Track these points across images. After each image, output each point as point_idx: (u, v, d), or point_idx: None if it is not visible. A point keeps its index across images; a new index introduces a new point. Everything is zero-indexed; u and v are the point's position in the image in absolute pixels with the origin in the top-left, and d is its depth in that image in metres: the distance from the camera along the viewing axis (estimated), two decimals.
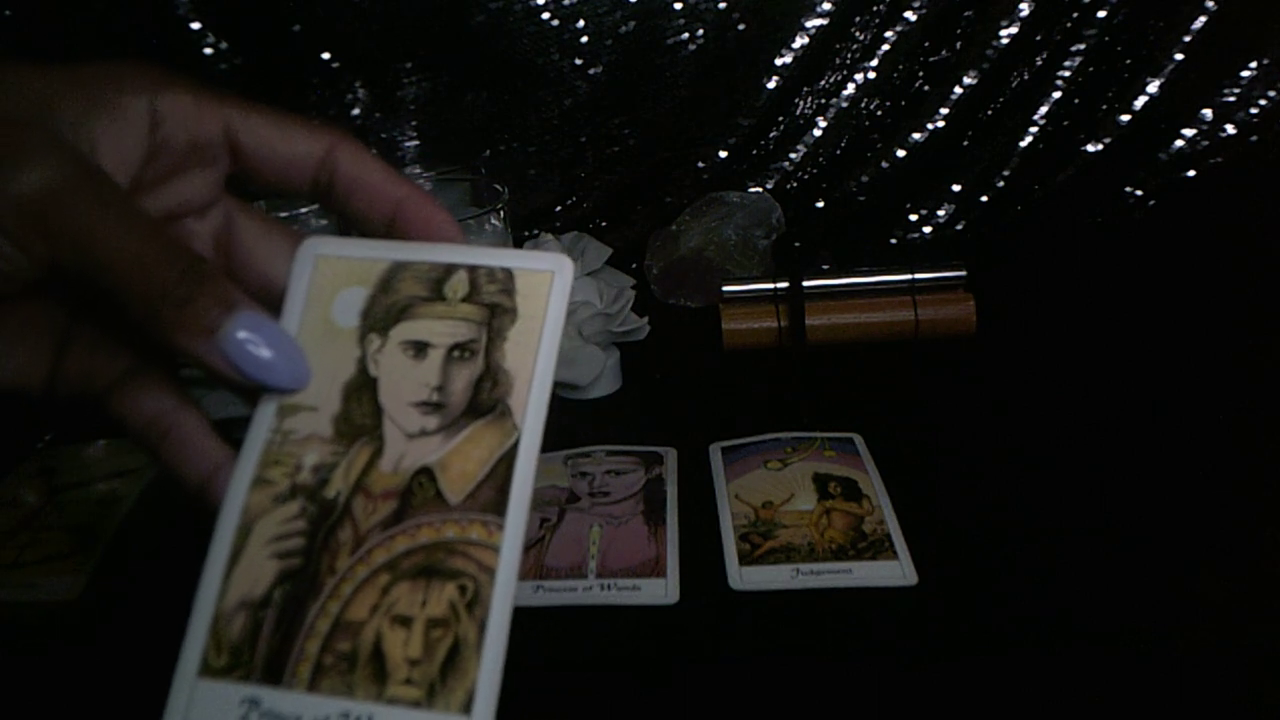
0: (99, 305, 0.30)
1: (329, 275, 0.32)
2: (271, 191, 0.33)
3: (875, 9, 0.90)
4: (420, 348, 0.32)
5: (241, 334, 0.29)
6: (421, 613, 0.29)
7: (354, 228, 0.34)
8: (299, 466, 0.31)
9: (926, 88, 0.92)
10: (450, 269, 0.33)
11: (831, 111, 0.93)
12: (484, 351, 0.32)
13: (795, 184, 0.94)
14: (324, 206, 0.33)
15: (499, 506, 0.30)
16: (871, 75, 0.91)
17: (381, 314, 0.32)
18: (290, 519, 0.31)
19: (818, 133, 0.93)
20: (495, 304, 0.32)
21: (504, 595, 0.30)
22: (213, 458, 0.32)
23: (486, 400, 0.31)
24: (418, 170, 0.88)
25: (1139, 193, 0.93)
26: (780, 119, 0.93)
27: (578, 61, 0.90)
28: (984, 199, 0.93)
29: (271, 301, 0.32)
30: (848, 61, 0.91)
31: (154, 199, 0.31)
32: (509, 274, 0.33)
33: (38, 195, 0.26)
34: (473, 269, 0.33)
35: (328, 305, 0.32)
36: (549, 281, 0.32)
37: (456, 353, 0.32)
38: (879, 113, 0.93)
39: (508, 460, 0.31)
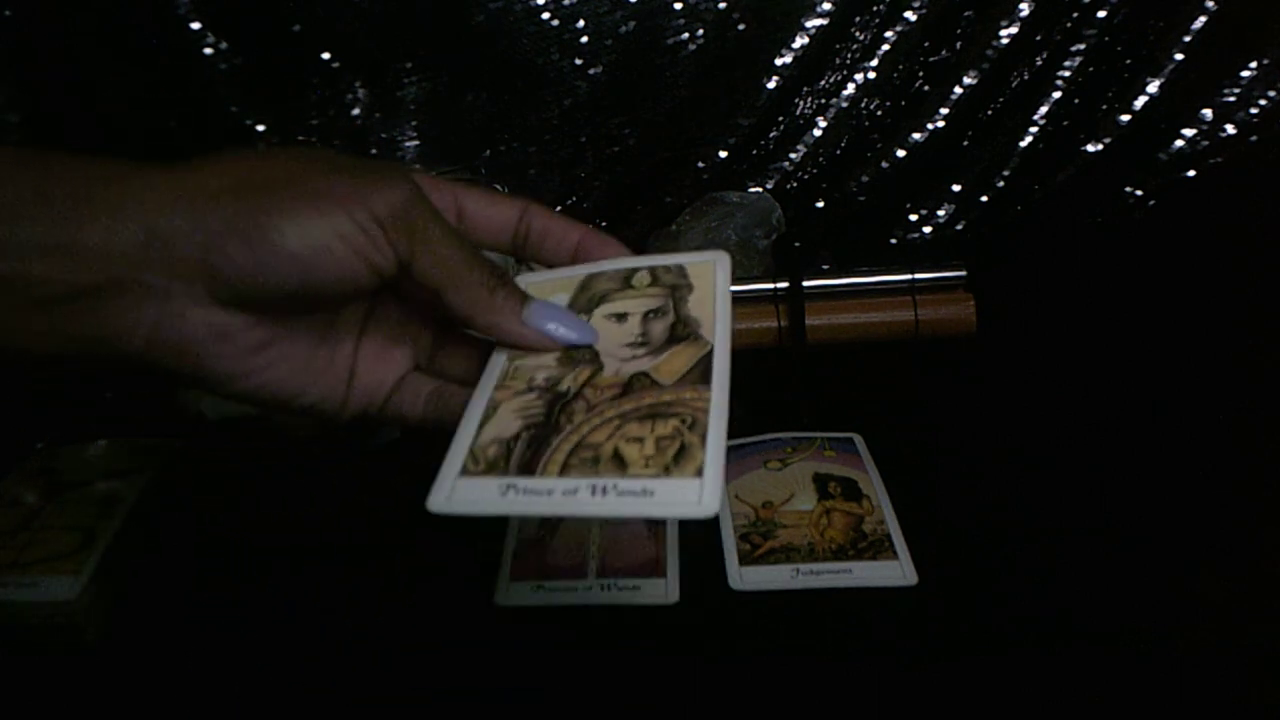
0: (414, 305, 0.42)
1: (538, 294, 0.41)
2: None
3: (875, 9, 0.90)
4: (621, 316, 0.41)
5: (535, 317, 0.39)
6: (651, 434, 0.35)
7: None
8: (532, 379, 0.39)
9: (926, 88, 0.92)
10: (634, 269, 0.42)
11: (831, 111, 0.93)
12: (673, 310, 0.41)
13: (795, 184, 0.94)
14: (521, 257, 0.43)
15: (705, 380, 0.37)
16: (871, 75, 0.91)
17: (584, 301, 0.41)
18: (531, 401, 0.38)
19: (818, 133, 0.93)
20: (675, 284, 0.42)
21: (718, 422, 0.36)
22: (462, 369, 0.42)
23: (682, 333, 0.40)
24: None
25: (1139, 193, 0.93)
26: (780, 119, 0.93)
27: (578, 61, 0.90)
28: (984, 199, 0.93)
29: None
30: (848, 61, 0.91)
31: None
32: (680, 267, 0.42)
33: (403, 205, 0.36)
34: (652, 267, 0.42)
35: None
36: (713, 267, 0.42)
37: (651, 315, 0.41)
38: (879, 113, 0.93)
39: (706, 360, 0.38)
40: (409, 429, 0.42)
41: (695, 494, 0.33)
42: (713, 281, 0.41)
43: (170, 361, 0.36)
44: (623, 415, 0.36)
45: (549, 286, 0.42)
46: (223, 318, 0.36)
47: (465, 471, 0.36)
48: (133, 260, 0.34)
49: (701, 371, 0.38)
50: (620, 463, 0.35)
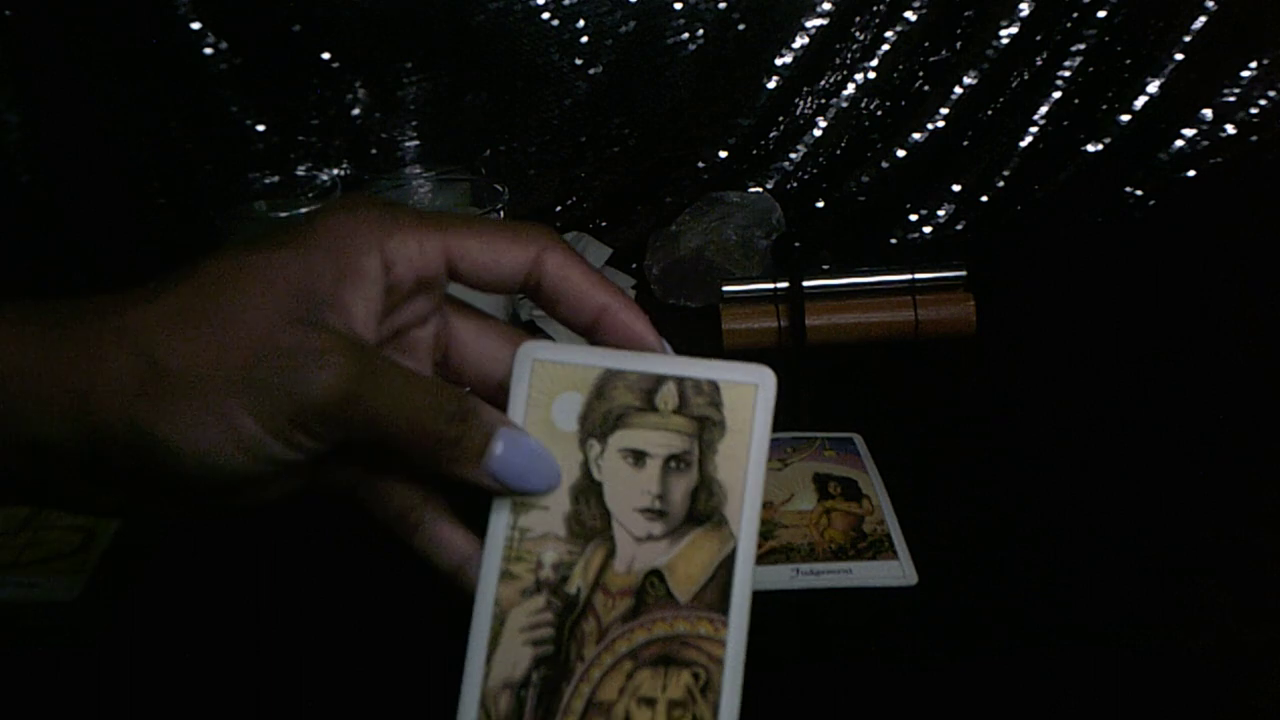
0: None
1: (546, 379, 0.36)
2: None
3: (875, 9, 0.90)
4: (639, 456, 0.35)
5: (501, 452, 0.33)
6: (663, 695, 0.33)
7: (561, 326, 0.37)
8: (540, 563, 0.35)
9: (926, 88, 0.92)
10: (660, 380, 0.36)
11: (831, 111, 0.93)
12: (697, 463, 0.35)
13: (795, 184, 0.94)
14: (534, 303, 0.36)
15: (723, 605, 0.34)
16: (871, 75, 0.91)
17: (599, 420, 0.35)
18: (539, 610, 0.35)
19: (818, 133, 0.93)
20: (705, 416, 0.35)
21: (733, 682, 0.34)
22: (461, 549, 0.36)
23: (704, 509, 0.35)
24: (418, 170, 0.88)
25: (1139, 193, 0.93)
26: (780, 119, 0.93)
27: (578, 61, 0.90)
28: (984, 199, 0.93)
29: (488, 392, 0.36)
30: (848, 61, 0.91)
31: (386, 325, 0.34)
32: (715, 386, 0.36)
33: (328, 398, 0.30)
34: (680, 381, 0.36)
35: (548, 409, 0.35)
36: (753, 395, 0.35)
37: (673, 463, 0.35)
38: (879, 113, 0.93)
39: (727, 565, 0.35)
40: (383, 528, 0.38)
41: None
42: (750, 423, 0.35)
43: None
44: (635, 657, 0.34)
45: (560, 375, 0.36)
46: (115, 494, 0.33)
47: None
48: (19, 474, 0.31)
49: (721, 588, 0.35)
50: None
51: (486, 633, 0.35)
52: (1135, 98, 0.91)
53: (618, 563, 0.35)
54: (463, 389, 0.34)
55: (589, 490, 0.35)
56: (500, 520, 0.35)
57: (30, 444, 0.30)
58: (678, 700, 0.33)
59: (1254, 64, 0.90)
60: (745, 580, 0.35)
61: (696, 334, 0.78)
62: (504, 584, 0.35)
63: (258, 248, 0.32)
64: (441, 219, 0.34)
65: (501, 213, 0.71)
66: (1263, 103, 0.90)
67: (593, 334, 0.36)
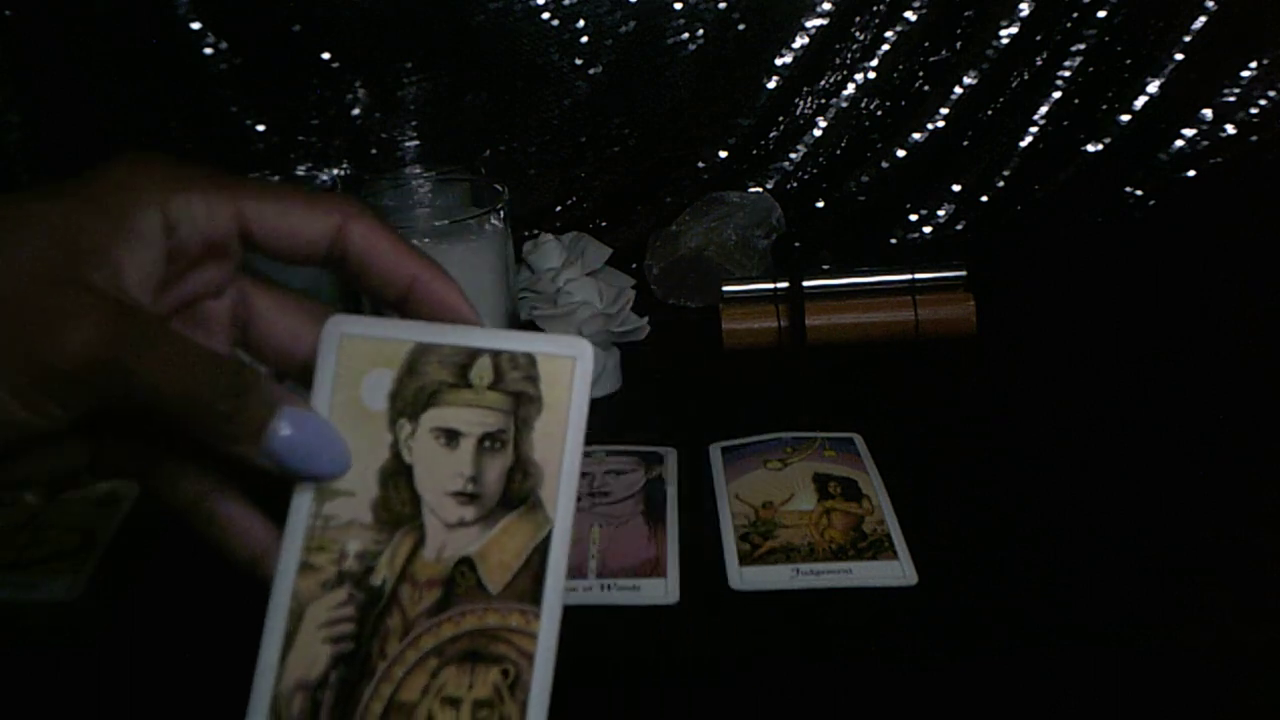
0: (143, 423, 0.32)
1: (355, 356, 0.33)
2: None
3: (875, 9, 0.90)
4: (452, 436, 0.33)
5: (285, 432, 0.31)
6: (469, 695, 0.31)
7: (368, 300, 0.34)
8: (343, 553, 0.33)
9: (926, 88, 0.92)
10: (474, 353, 0.34)
11: (831, 111, 0.93)
12: (513, 442, 0.33)
13: (795, 184, 0.94)
14: (341, 279, 0.34)
15: (535, 595, 0.32)
16: (871, 75, 0.91)
17: (410, 398, 0.33)
18: (339, 605, 0.32)
19: (818, 133, 0.93)
20: (520, 392, 0.33)
21: (543, 679, 0.32)
22: (259, 539, 0.33)
23: (518, 491, 0.33)
24: (418, 170, 0.88)
25: (1139, 193, 0.93)
26: (780, 119, 0.93)
27: (578, 61, 0.90)
28: (984, 199, 0.93)
29: (291, 371, 0.34)
30: (848, 61, 0.91)
31: (172, 293, 0.32)
32: (531, 359, 0.34)
33: (83, 361, 0.28)
34: (496, 354, 0.34)
35: (356, 387, 0.33)
36: (571, 368, 0.34)
37: (487, 443, 0.33)
38: (879, 113, 0.93)
39: (541, 551, 0.33)
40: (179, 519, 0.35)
41: None
42: (567, 396, 0.33)
43: None
44: (441, 652, 0.32)
45: (370, 350, 0.33)
46: None
47: None
48: None
49: (534, 577, 0.33)
50: None
51: (281, 629, 0.32)
52: (1135, 98, 0.91)
53: (427, 551, 0.33)
54: (243, 362, 0.31)
55: (398, 473, 0.33)
56: (301, 507, 0.33)
57: None
58: (484, 700, 0.32)
59: (1254, 64, 0.90)
60: (560, 568, 0.33)
61: (696, 334, 0.78)
62: (303, 576, 0.33)
63: (28, 197, 0.30)
64: (236, 181, 0.32)
65: (502, 213, 0.71)
66: (1263, 103, 0.90)
67: (404, 308, 0.34)
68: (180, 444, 0.32)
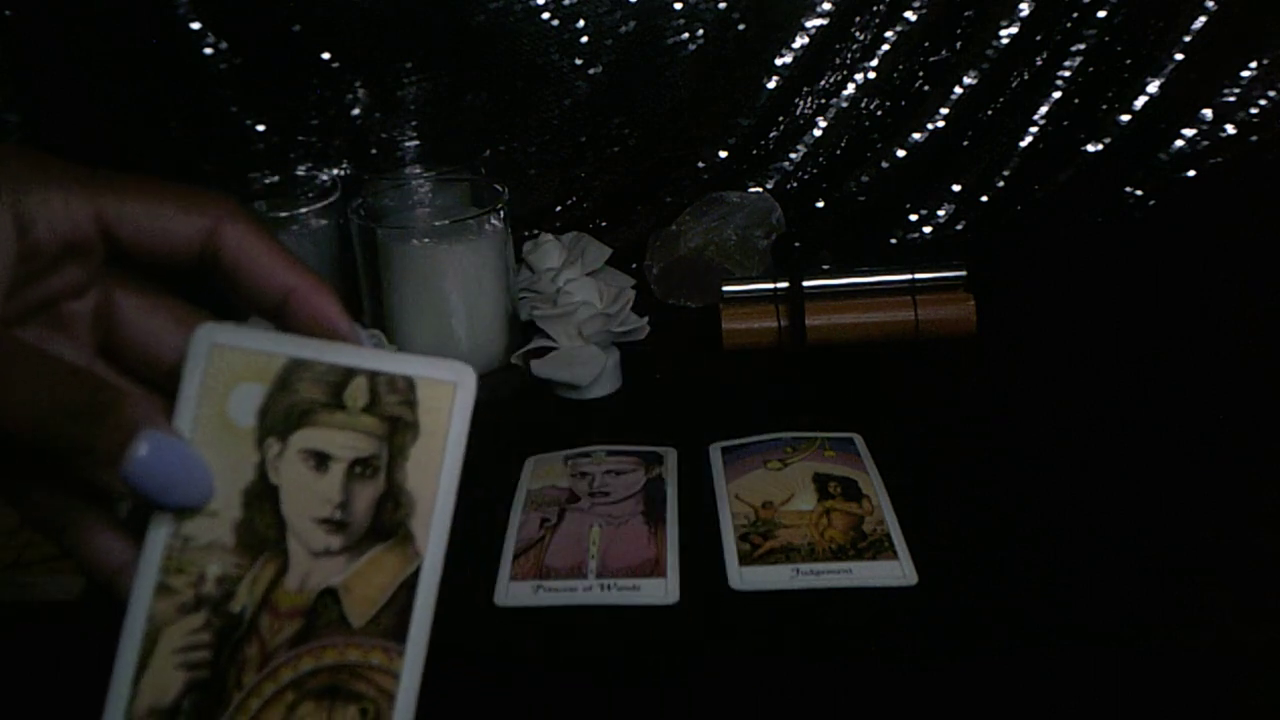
0: None
1: (224, 368, 0.31)
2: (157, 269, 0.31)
3: (875, 9, 0.90)
4: (321, 459, 0.32)
5: (143, 454, 0.28)
6: None
7: (243, 310, 0.33)
8: (202, 577, 0.31)
9: (926, 88, 0.92)
10: (350, 373, 0.32)
11: (831, 111, 0.93)
12: (385, 469, 0.32)
13: (795, 184, 0.94)
14: (214, 285, 0.32)
15: (399, 633, 0.31)
16: (871, 75, 0.91)
17: (281, 416, 0.31)
18: (196, 630, 0.31)
19: (818, 133, 0.93)
20: (396, 417, 0.32)
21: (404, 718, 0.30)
22: (117, 555, 0.31)
23: (389, 522, 0.32)
24: (418, 170, 0.88)
25: (1139, 193, 0.93)
26: (780, 119, 0.93)
27: (578, 61, 0.90)
28: (984, 199, 0.93)
29: (157, 378, 0.32)
30: (848, 61, 0.91)
31: (26, 295, 0.29)
32: (410, 383, 0.32)
33: None
34: (373, 375, 0.32)
35: (223, 401, 0.31)
36: (451, 394, 0.32)
37: (358, 469, 0.32)
38: (879, 113, 0.93)
39: (409, 586, 0.31)
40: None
41: None
42: (446, 424, 0.32)
43: None
44: (299, 686, 0.31)
45: (240, 362, 0.31)
46: None
47: None
48: None
49: (399, 614, 0.31)
50: None
51: (135, 652, 0.31)
52: (1135, 98, 0.91)
53: (289, 579, 0.31)
54: (99, 379, 0.29)
55: (263, 495, 0.31)
56: (160, 526, 0.31)
57: None
58: None
59: (1254, 64, 0.90)
60: (427, 605, 0.31)
61: (696, 334, 0.78)
62: (160, 598, 0.31)
63: None
64: (98, 176, 0.30)
65: (502, 213, 0.71)
66: (1263, 103, 0.90)
67: (280, 319, 0.32)
68: (30, 461, 0.30)
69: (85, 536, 0.32)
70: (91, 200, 0.29)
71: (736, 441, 0.64)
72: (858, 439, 0.63)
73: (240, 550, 0.31)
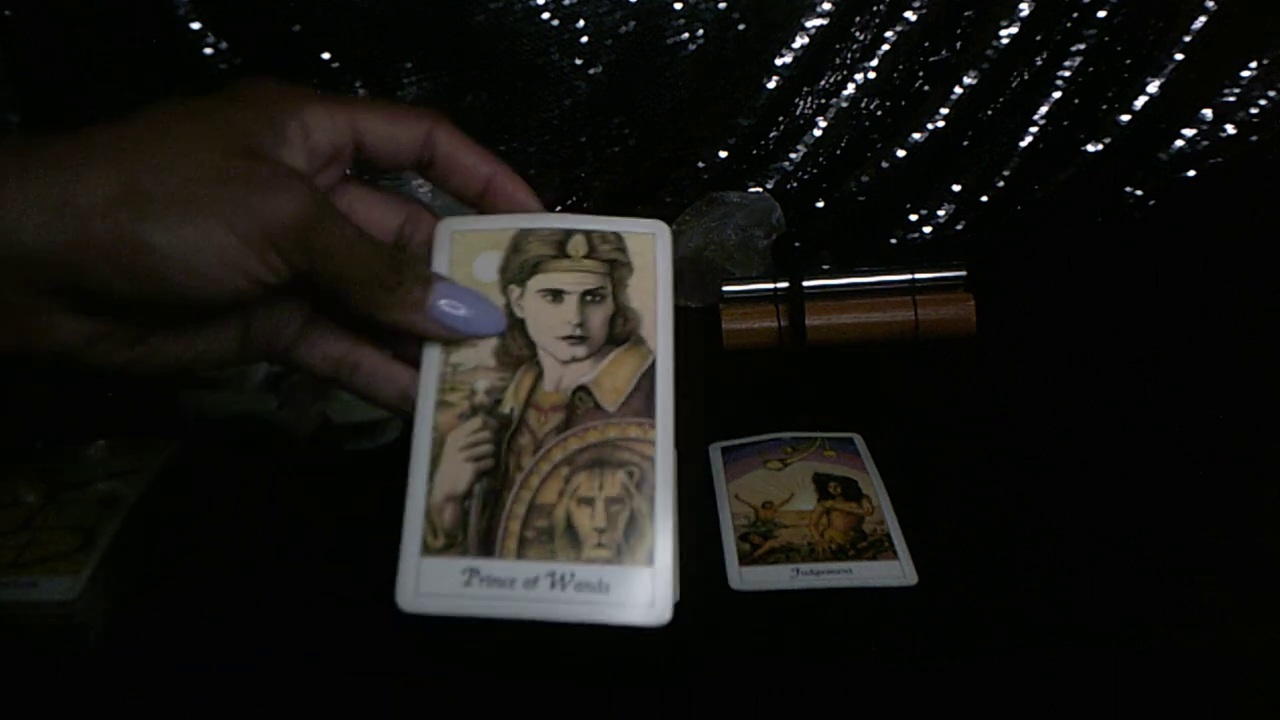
0: (312, 294, 0.37)
1: (465, 245, 0.39)
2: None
3: (875, 9, 0.90)
4: (556, 294, 0.39)
5: (443, 302, 0.37)
6: (600, 494, 0.36)
7: (452, 199, 0.40)
8: (473, 390, 0.38)
9: (926, 88, 0.92)
10: (569, 232, 0.40)
11: (831, 111, 0.93)
12: (611, 296, 0.39)
13: (795, 184, 0.94)
14: (427, 180, 0.40)
15: (648, 410, 0.37)
16: (871, 75, 0.91)
17: (517, 269, 0.39)
18: (475, 430, 0.37)
19: (818, 133, 0.93)
20: (613, 259, 0.40)
21: (665, 475, 0.36)
22: (402, 380, 0.39)
23: (621, 332, 0.39)
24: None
25: (1139, 193, 0.93)
26: (780, 119, 0.93)
27: (578, 61, 0.90)
28: (984, 199, 0.93)
29: None
30: (848, 61, 0.91)
31: None
32: (618, 236, 0.40)
33: (296, 218, 0.33)
34: (588, 233, 0.40)
35: (469, 266, 0.39)
36: (653, 241, 0.40)
37: (588, 297, 0.39)
38: (879, 113, 0.93)
39: (649, 376, 0.38)
40: (321, 380, 0.40)
41: (647, 593, 0.36)
42: (654, 262, 0.39)
43: (49, 363, 0.34)
44: (570, 462, 0.37)
45: (478, 239, 0.39)
46: (96, 325, 0.34)
47: (426, 549, 0.36)
48: (13, 303, 0.32)
49: (645, 396, 0.38)
50: (574, 538, 0.36)
51: (427, 454, 0.37)
52: (1135, 98, 0.91)
53: (546, 383, 0.38)
54: (399, 245, 0.38)
55: (513, 326, 0.38)
56: (432, 358, 0.38)
57: (18, 258, 0.31)
58: (615, 497, 0.36)
59: (1254, 64, 0.90)
60: (668, 390, 0.38)
61: (696, 334, 0.78)
62: (440, 411, 0.37)
63: (193, 99, 0.35)
64: (343, 98, 0.37)
65: None
66: (1263, 103, 0.90)
67: (481, 202, 0.40)
68: (336, 314, 0.39)
69: (376, 371, 0.39)
70: (348, 115, 0.36)
71: (736, 441, 0.64)
72: (857, 439, 0.63)
73: (501, 367, 0.38)
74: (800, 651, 0.49)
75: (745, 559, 0.54)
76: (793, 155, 0.94)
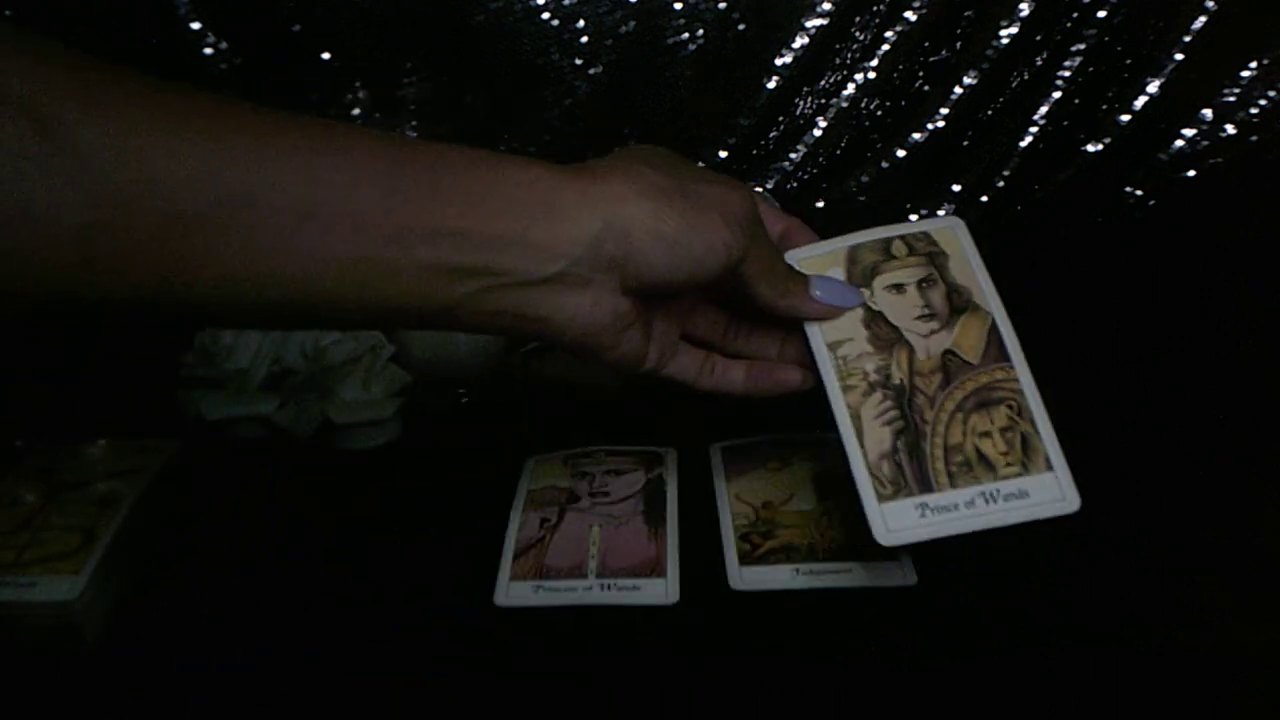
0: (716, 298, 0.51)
1: (811, 267, 0.50)
2: None
3: (875, 9, 0.90)
4: (899, 287, 0.49)
5: (819, 291, 0.48)
6: (993, 426, 0.46)
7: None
8: (865, 373, 0.48)
9: (926, 88, 0.92)
10: (888, 240, 0.51)
11: (831, 111, 0.93)
12: (940, 279, 0.50)
13: (795, 184, 0.94)
14: None
15: (1005, 356, 0.48)
16: (871, 75, 0.91)
17: (859, 276, 0.50)
18: (880, 402, 0.47)
19: (818, 133, 0.93)
20: (930, 252, 0.50)
21: (1035, 401, 0.47)
22: (739, 379, 0.52)
23: (959, 302, 0.49)
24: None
25: (1139, 193, 0.93)
26: (780, 119, 0.93)
27: (578, 61, 0.90)
28: (984, 199, 0.93)
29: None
30: (848, 61, 0.91)
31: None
32: (927, 234, 0.51)
33: (749, 212, 0.44)
34: (903, 237, 0.51)
35: None
36: (955, 233, 0.51)
37: (924, 284, 0.49)
38: (879, 113, 0.93)
39: (994, 330, 0.48)
40: (681, 390, 0.50)
41: (1057, 490, 0.45)
42: (961, 247, 0.50)
43: (575, 339, 0.43)
44: (961, 408, 0.46)
45: (819, 262, 0.51)
46: (624, 304, 0.43)
47: (880, 497, 0.45)
48: (578, 258, 0.40)
49: (998, 346, 0.48)
50: (987, 464, 0.45)
51: (851, 428, 0.47)
52: (1135, 98, 0.91)
53: (918, 355, 0.48)
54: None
55: (875, 316, 0.49)
56: (824, 357, 0.48)
57: (589, 233, 0.41)
58: (1005, 426, 0.46)
59: (1254, 64, 0.90)
60: (1011, 336, 0.48)
61: None
62: (848, 394, 0.47)
63: (706, 177, 0.45)
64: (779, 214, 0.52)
65: None
66: (1263, 103, 0.90)
67: (781, 245, 0.51)
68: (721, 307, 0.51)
69: (726, 371, 0.51)
70: (782, 225, 0.52)
71: (736, 442, 0.64)
72: None
73: (879, 351, 0.48)
74: (800, 651, 0.49)
75: (745, 559, 0.54)
76: (793, 155, 0.94)
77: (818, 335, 0.49)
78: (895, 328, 0.48)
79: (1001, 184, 0.93)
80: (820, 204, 0.94)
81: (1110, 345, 0.74)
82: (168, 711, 0.48)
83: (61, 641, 0.52)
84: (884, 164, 0.93)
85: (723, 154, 0.93)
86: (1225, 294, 0.78)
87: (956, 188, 0.93)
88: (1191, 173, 0.92)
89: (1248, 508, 0.56)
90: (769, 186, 0.94)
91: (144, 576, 0.56)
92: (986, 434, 0.45)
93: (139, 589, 0.55)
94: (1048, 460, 0.45)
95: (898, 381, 0.47)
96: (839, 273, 0.50)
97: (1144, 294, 0.80)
